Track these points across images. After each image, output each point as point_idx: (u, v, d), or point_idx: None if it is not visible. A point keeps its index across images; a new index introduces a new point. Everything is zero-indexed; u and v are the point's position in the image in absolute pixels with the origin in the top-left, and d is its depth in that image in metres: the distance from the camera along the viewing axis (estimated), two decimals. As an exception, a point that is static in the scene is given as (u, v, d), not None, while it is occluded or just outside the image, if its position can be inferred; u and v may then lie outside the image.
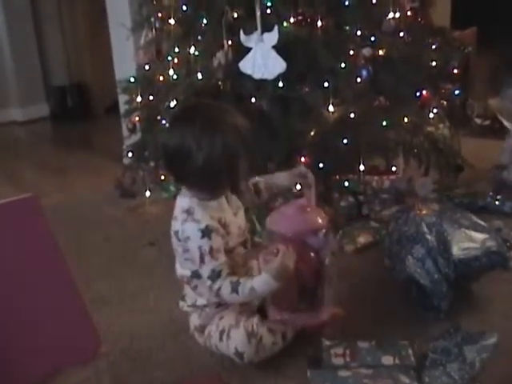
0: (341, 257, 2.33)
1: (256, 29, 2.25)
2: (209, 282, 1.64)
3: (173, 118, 1.85)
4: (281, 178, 1.89)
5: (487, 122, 3.84)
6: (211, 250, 1.63)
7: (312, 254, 1.72)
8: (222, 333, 1.71)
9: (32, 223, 1.73)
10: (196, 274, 1.67)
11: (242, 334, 1.66)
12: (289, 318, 1.74)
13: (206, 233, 1.63)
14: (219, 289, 1.64)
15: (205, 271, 1.64)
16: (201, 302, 1.76)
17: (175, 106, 2.43)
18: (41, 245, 1.74)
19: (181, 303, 1.85)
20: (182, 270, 1.74)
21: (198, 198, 1.68)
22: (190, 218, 1.65)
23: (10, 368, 1.66)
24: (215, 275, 1.63)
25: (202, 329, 1.78)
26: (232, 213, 1.75)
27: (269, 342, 1.67)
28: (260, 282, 1.63)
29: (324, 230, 1.71)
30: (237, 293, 1.63)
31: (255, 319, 1.69)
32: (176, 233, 1.68)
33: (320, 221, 1.73)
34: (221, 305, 1.74)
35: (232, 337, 1.68)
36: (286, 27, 2.27)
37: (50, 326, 1.73)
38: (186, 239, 1.65)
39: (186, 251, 1.66)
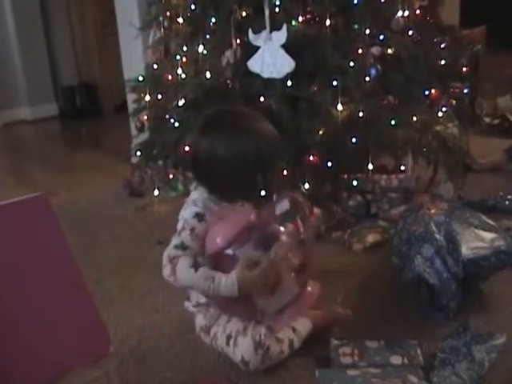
0: (349, 256, 2.33)
1: (265, 27, 2.25)
2: (169, 247, 1.63)
3: (202, 123, 1.79)
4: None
5: (496, 121, 3.82)
6: (193, 230, 1.64)
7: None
8: (228, 338, 1.70)
9: (43, 222, 1.73)
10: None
11: (249, 343, 1.64)
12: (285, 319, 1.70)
13: (198, 216, 1.66)
14: (176, 257, 1.60)
15: (175, 241, 1.64)
16: (204, 300, 1.76)
17: (183, 104, 2.43)
18: (51, 244, 1.74)
19: (186, 303, 1.85)
20: None
21: (211, 195, 1.71)
22: (192, 204, 1.70)
23: (19, 367, 1.67)
24: (181, 247, 1.62)
25: (207, 329, 1.77)
26: None
27: (276, 351, 1.66)
28: (224, 280, 1.57)
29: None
30: (195, 270, 1.58)
31: (263, 329, 1.66)
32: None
33: (241, 218, 1.68)
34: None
35: (239, 345, 1.67)
36: (294, 26, 2.27)
37: (60, 325, 1.73)
38: (180, 219, 1.69)
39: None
